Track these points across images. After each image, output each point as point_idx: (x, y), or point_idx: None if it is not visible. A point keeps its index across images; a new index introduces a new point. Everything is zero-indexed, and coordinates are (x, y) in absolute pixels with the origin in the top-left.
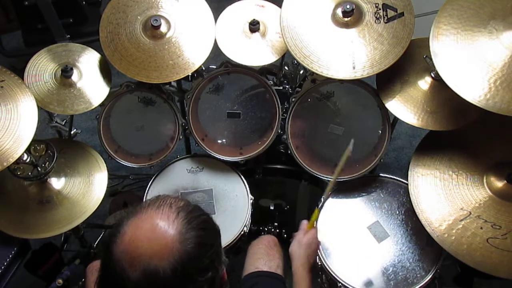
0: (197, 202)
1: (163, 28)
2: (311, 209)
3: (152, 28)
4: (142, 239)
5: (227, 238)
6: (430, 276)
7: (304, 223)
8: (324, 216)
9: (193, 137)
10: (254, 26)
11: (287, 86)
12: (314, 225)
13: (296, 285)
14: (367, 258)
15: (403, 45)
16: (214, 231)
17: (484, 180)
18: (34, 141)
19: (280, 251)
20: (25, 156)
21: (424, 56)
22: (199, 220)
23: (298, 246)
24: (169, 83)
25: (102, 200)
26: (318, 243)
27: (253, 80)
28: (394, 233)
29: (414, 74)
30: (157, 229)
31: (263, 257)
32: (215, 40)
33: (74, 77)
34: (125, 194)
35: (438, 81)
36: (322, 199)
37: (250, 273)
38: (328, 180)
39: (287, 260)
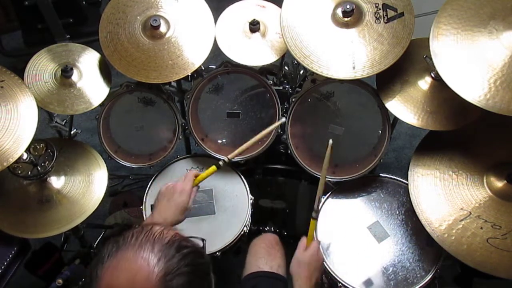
0: (197, 202)
1: (162, 28)
2: (311, 209)
3: (152, 28)
4: None
5: (227, 238)
6: (430, 276)
7: (303, 239)
8: (324, 216)
9: (193, 137)
10: (254, 26)
11: (287, 86)
12: (314, 238)
13: None
14: (367, 258)
15: (403, 45)
16: (205, 272)
17: (484, 180)
18: (34, 140)
19: (282, 250)
20: (25, 155)
21: (424, 56)
22: (187, 260)
23: (298, 265)
24: (169, 83)
25: (102, 200)
26: (321, 259)
27: (253, 80)
28: (394, 233)
29: (414, 74)
30: (136, 279)
31: (264, 257)
32: (215, 40)
33: (74, 77)
34: (125, 194)
35: (438, 81)
36: (315, 207)
37: (251, 273)
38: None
39: (288, 259)
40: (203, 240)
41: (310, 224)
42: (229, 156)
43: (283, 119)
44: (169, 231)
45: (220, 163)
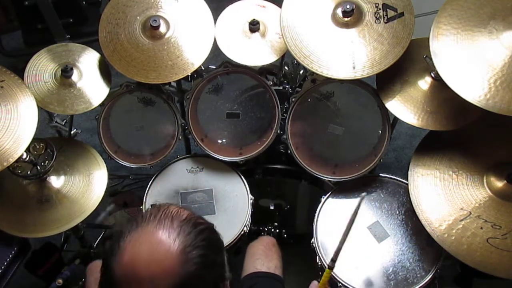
0: (197, 202)
1: (162, 29)
2: (311, 209)
3: (151, 29)
4: (141, 262)
5: (227, 238)
6: (430, 276)
7: (314, 284)
8: (324, 216)
9: (192, 137)
10: (254, 26)
11: (287, 86)
12: (326, 286)
13: None
14: (367, 258)
15: (403, 45)
16: (218, 246)
17: (484, 180)
18: (34, 140)
19: (279, 252)
20: (25, 155)
21: (424, 56)
22: (203, 235)
23: None
24: (169, 83)
25: (102, 200)
26: None
27: (253, 80)
28: (394, 233)
29: (414, 74)
30: (158, 249)
31: (261, 258)
32: (215, 40)
33: (74, 77)
34: (125, 194)
35: (438, 81)
36: (333, 257)
37: (249, 274)
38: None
39: (284, 260)
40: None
41: (325, 273)
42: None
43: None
44: (185, 210)
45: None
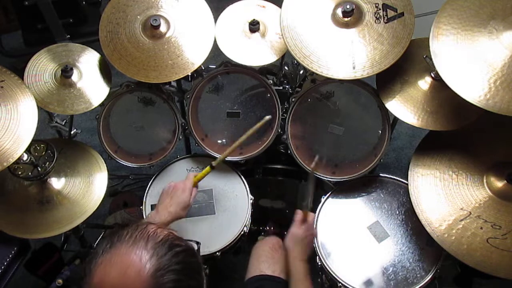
0: (197, 202)
1: (162, 28)
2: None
3: (152, 28)
4: (109, 285)
5: (227, 238)
6: (430, 276)
7: (299, 213)
8: (324, 216)
9: (193, 137)
10: (254, 26)
11: (287, 86)
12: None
13: (293, 277)
14: (367, 258)
15: (403, 45)
16: (196, 270)
17: (484, 180)
18: (34, 141)
19: (285, 255)
20: (25, 156)
21: (424, 56)
22: (178, 258)
23: (293, 240)
24: (169, 83)
25: (102, 200)
26: (313, 234)
27: (253, 80)
28: (394, 233)
29: (414, 74)
30: (127, 273)
31: (267, 260)
32: (215, 40)
33: (74, 77)
34: (125, 194)
35: (438, 81)
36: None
37: (253, 277)
38: (324, 179)
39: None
40: (197, 243)
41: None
42: (221, 156)
43: (268, 117)
44: (163, 230)
45: (213, 163)
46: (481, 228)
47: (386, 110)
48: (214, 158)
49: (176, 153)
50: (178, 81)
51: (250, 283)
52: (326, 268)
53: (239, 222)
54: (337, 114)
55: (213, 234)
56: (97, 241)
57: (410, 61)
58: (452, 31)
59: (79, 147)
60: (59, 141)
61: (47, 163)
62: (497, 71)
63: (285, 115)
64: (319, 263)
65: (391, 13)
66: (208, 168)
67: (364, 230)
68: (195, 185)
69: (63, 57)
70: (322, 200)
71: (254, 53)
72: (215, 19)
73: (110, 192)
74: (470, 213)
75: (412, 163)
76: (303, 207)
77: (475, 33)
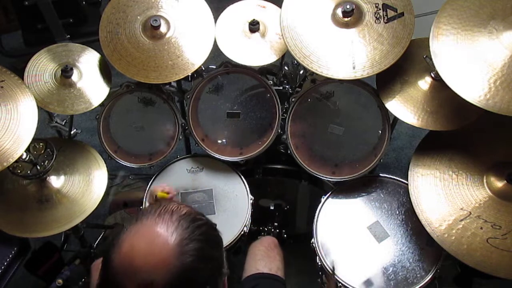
0: (197, 202)
1: (162, 28)
2: (311, 209)
3: (152, 28)
4: (138, 253)
5: (227, 238)
6: (430, 276)
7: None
8: (324, 216)
9: (193, 137)
10: (254, 26)
11: (287, 86)
12: None
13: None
14: (367, 258)
15: (403, 45)
16: (216, 242)
17: (484, 180)
18: (34, 140)
19: (281, 253)
20: (25, 155)
21: (424, 56)
22: (200, 230)
23: None
24: (169, 83)
25: (102, 200)
26: None
27: (253, 80)
28: (394, 233)
29: (414, 74)
30: (155, 242)
31: (263, 259)
32: (215, 40)
33: (74, 77)
34: (125, 194)
35: (438, 81)
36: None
37: (250, 275)
38: None
39: (285, 261)
40: (215, 224)
41: None
42: None
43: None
44: (186, 206)
45: None
46: (481, 228)
47: (386, 110)
48: (215, 158)
49: (176, 153)
50: (178, 81)
51: (247, 282)
52: (326, 268)
53: (239, 222)
54: (337, 114)
55: None
56: (97, 241)
57: (410, 61)
58: (452, 31)
59: (78, 146)
60: (58, 140)
61: (46, 161)
62: (497, 71)
63: (285, 115)
64: (319, 263)
65: (391, 13)
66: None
67: (364, 230)
68: None
69: (63, 57)
70: (322, 200)
71: (254, 53)
72: (215, 19)
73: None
74: (470, 213)
75: (412, 163)
76: None
77: (475, 33)
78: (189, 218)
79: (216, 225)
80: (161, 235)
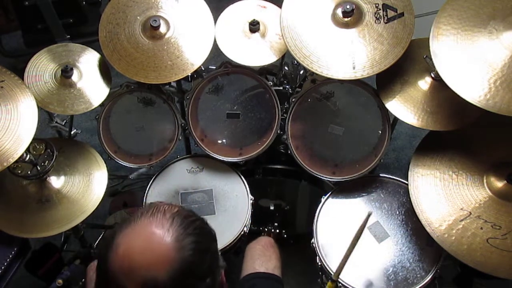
0: (197, 202)
1: (162, 29)
2: (311, 209)
3: (152, 29)
4: (136, 250)
5: (227, 238)
6: (430, 276)
7: None
8: (324, 216)
9: (192, 138)
10: (254, 26)
11: (287, 87)
12: None
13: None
14: (367, 258)
15: (403, 45)
16: (210, 235)
17: (484, 180)
18: (34, 140)
19: (277, 252)
20: (25, 155)
21: (424, 56)
22: (194, 225)
23: None
24: (169, 84)
25: (102, 200)
26: None
27: (253, 81)
28: (394, 233)
29: (414, 74)
30: (152, 238)
31: (260, 258)
32: (215, 40)
33: (74, 77)
34: (125, 194)
35: (438, 81)
36: (336, 271)
37: (247, 275)
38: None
39: (284, 261)
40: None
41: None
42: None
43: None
44: (176, 205)
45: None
46: (481, 228)
47: (386, 110)
48: (214, 158)
49: (176, 153)
50: (178, 81)
51: (245, 281)
52: (326, 268)
53: (239, 222)
54: (337, 114)
55: None
56: (97, 241)
57: (410, 61)
58: (452, 31)
59: (78, 146)
60: (59, 140)
61: (47, 161)
62: (497, 71)
63: (285, 115)
64: (319, 263)
65: (391, 13)
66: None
67: (364, 230)
68: None
69: (63, 57)
70: (322, 200)
71: (254, 53)
72: (215, 19)
73: (110, 192)
74: (470, 213)
75: (412, 163)
76: (333, 275)
77: (475, 33)
78: (182, 215)
79: (206, 220)
80: (156, 232)
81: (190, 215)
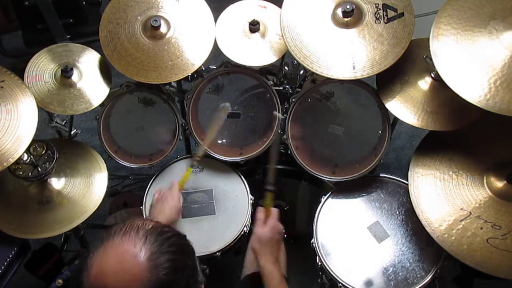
0: (197, 202)
1: (162, 29)
2: (311, 209)
3: (152, 29)
4: (109, 272)
5: (227, 238)
6: (430, 276)
7: (260, 211)
8: (324, 216)
9: (193, 137)
10: (254, 26)
11: (287, 87)
12: (268, 207)
13: (267, 282)
14: (367, 258)
15: (403, 45)
16: (187, 251)
17: (484, 180)
18: (34, 141)
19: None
20: (25, 156)
21: (424, 56)
22: (170, 241)
23: (259, 241)
24: (169, 83)
25: (102, 200)
26: (281, 230)
27: (253, 81)
28: (394, 233)
29: (414, 74)
30: (124, 259)
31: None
32: (215, 40)
33: (74, 77)
34: (125, 194)
35: (438, 81)
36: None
37: (250, 274)
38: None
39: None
40: (184, 235)
41: (266, 197)
42: (197, 154)
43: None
44: (151, 221)
45: (194, 163)
46: (481, 228)
47: (386, 110)
48: (214, 158)
49: (176, 153)
50: (178, 81)
51: (247, 279)
52: (326, 268)
53: (239, 222)
54: (337, 114)
55: (213, 234)
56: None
57: (410, 61)
58: (452, 31)
59: (79, 147)
60: (59, 141)
61: (47, 163)
62: (497, 71)
63: (285, 115)
64: (319, 263)
65: (391, 13)
66: (189, 169)
67: (364, 230)
68: (181, 189)
69: (63, 57)
70: (322, 200)
71: (254, 53)
72: (215, 19)
73: (110, 192)
74: (470, 213)
75: (412, 163)
76: (267, 185)
77: (475, 33)
78: (156, 232)
79: (185, 235)
80: (129, 251)
81: (165, 231)
